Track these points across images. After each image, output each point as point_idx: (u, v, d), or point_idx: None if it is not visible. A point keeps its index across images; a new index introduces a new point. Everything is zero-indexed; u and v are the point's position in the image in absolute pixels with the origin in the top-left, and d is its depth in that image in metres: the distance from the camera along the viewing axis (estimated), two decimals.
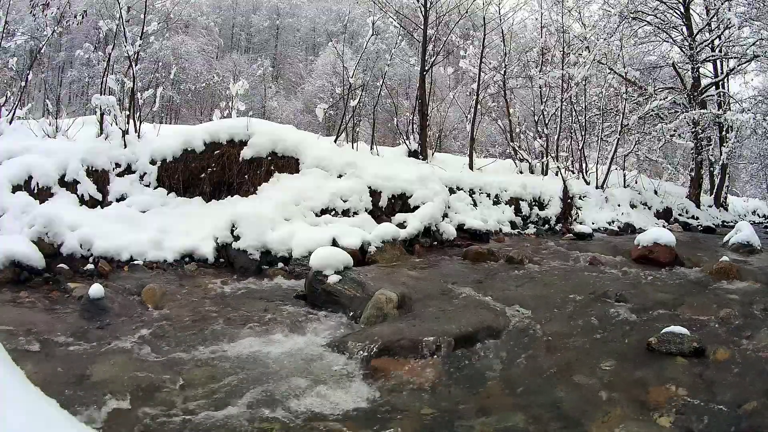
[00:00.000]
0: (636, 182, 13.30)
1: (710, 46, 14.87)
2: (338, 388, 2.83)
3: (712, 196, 16.52)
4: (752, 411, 2.57)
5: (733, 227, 9.25)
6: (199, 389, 2.76)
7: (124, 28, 7.39)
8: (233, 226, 5.93)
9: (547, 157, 12.42)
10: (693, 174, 15.22)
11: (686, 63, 14.89)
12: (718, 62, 15.71)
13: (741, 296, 4.71)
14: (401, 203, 7.59)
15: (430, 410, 2.61)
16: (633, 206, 12.07)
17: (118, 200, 6.30)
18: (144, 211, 6.21)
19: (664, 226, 10.14)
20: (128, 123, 6.91)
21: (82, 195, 6.11)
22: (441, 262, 6.24)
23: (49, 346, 3.26)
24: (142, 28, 7.63)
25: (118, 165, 6.58)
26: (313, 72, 42.08)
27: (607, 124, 14.40)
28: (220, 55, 49.44)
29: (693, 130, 14.32)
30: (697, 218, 13.73)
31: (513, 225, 9.18)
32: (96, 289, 4.02)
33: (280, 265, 5.74)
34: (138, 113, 7.19)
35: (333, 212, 6.89)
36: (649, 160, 15.96)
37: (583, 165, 12.84)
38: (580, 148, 13.21)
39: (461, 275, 5.49)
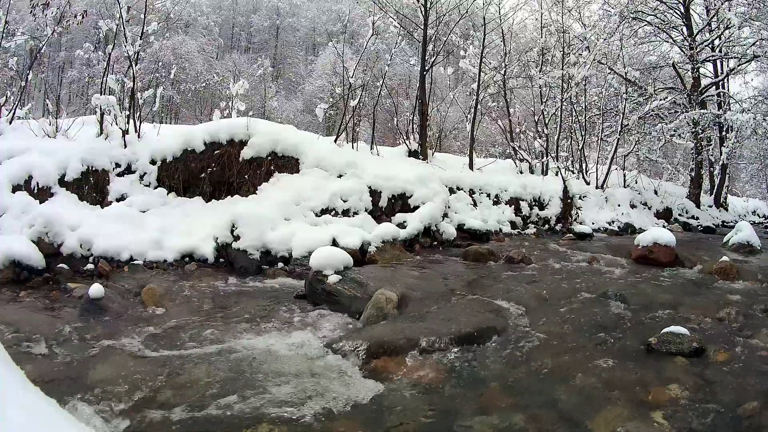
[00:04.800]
0: (636, 182, 13.31)
1: (710, 46, 14.88)
2: (338, 387, 2.83)
3: (712, 196, 16.53)
4: (752, 411, 2.57)
5: (733, 227, 9.26)
6: (199, 389, 2.76)
7: (124, 28, 7.39)
8: (233, 226, 5.93)
9: (547, 157, 12.43)
10: (693, 174, 15.23)
11: (686, 63, 14.90)
12: (718, 62, 15.72)
13: (741, 296, 4.71)
14: (401, 203, 7.59)
15: (430, 410, 2.61)
16: (633, 206, 12.09)
17: (118, 200, 6.30)
18: (144, 211, 6.21)
19: (664, 226, 10.16)
20: (128, 123, 6.91)
21: (82, 194, 6.11)
22: (441, 262, 6.23)
23: (49, 346, 3.26)
24: (142, 28, 7.63)
25: (118, 165, 6.58)
26: (313, 72, 42.09)
27: (607, 124, 14.42)
28: (220, 55, 49.42)
29: (693, 130, 14.32)
30: (697, 218, 13.74)
31: (513, 225, 9.19)
32: (96, 289, 4.02)
33: (280, 265, 5.74)
34: (138, 113, 7.19)
35: (333, 212, 6.89)
36: (649, 160, 15.98)
37: (583, 165, 12.86)
38: (580, 148, 13.22)
39: (461, 275, 5.49)
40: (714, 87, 15.27)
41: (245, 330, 3.71)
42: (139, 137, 7.01)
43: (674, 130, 14.35)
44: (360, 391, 2.80)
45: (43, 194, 5.77)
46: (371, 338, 3.35)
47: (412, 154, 10.26)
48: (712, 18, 14.61)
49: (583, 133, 13.29)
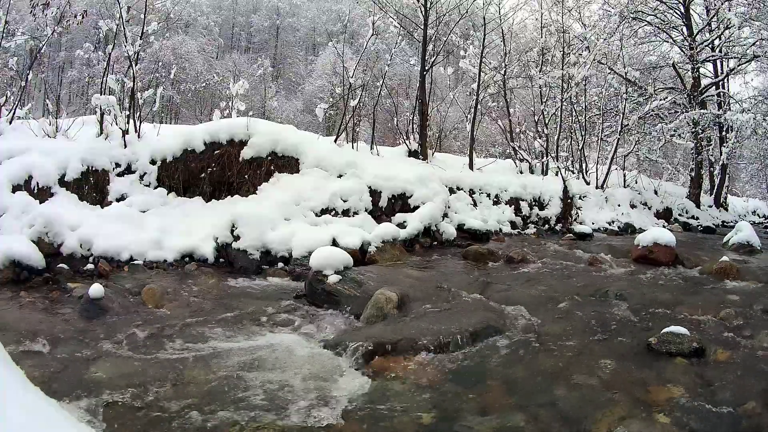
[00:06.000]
0: (636, 182, 13.31)
1: (710, 46, 14.87)
2: (338, 387, 2.83)
3: (712, 196, 16.52)
4: (752, 411, 2.57)
5: (733, 227, 9.25)
6: (199, 389, 2.76)
7: (124, 28, 7.39)
8: (233, 226, 5.93)
9: (547, 157, 12.43)
10: (693, 174, 15.22)
11: (686, 63, 14.90)
12: (718, 62, 15.72)
13: (741, 296, 4.71)
14: (401, 203, 7.59)
15: (429, 410, 2.61)
16: (633, 206, 12.08)
17: (118, 200, 6.30)
18: (144, 211, 6.21)
19: (664, 226, 10.15)
20: (128, 123, 6.91)
21: (82, 194, 6.11)
22: (441, 262, 6.24)
23: (49, 346, 3.26)
24: (142, 28, 7.63)
25: (118, 165, 6.58)
26: (313, 72, 42.08)
27: (607, 124, 14.41)
28: (220, 55, 49.42)
29: (693, 130, 14.32)
30: (697, 218, 13.73)
31: (513, 225, 9.18)
32: (96, 289, 4.01)
33: (280, 265, 5.74)
34: (138, 113, 7.19)
35: (333, 212, 6.89)
36: (649, 160, 15.97)
37: (583, 165, 12.85)
38: (580, 148, 13.22)
39: (461, 275, 5.49)
40: (714, 87, 15.26)
41: (245, 330, 3.71)
42: (139, 137, 7.00)
43: (674, 130, 14.34)
44: (360, 391, 2.80)
45: (43, 194, 5.77)
46: (371, 338, 3.35)
47: (412, 154, 10.26)
48: (712, 18, 14.60)
49: (583, 133, 13.28)
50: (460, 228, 7.81)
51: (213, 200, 6.89)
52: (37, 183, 5.78)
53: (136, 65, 7.49)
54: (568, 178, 10.57)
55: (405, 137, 10.72)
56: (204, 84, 37.86)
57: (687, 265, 6.15)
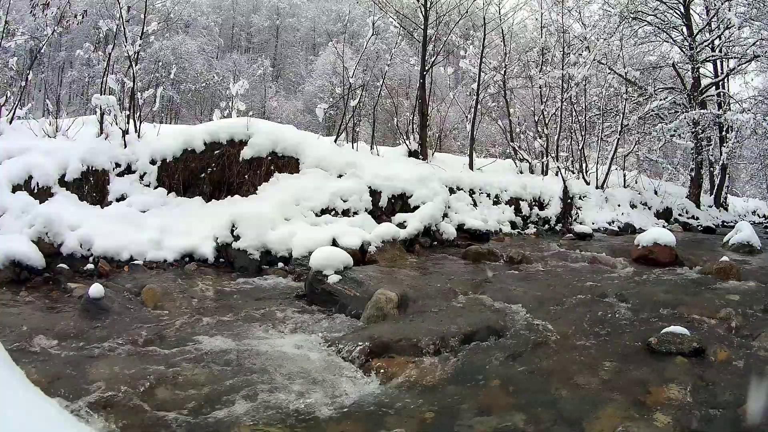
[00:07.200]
0: (636, 182, 13.32)
1: (710, 46, 14.88)
2: (338, 387, 2.83)
3: (712, 196, 16.53)
4: (752, 411, 2.57)
5: (733, 227, 9.26)
6: (199, 389, 2.76)
7: (124, 28, 7.39)
8: (233, 226, 5.93)
9: (547, 157, 12.43)
10: (693, 174, 15.23)
11: (686, 63, 14.91)
12: (718, 62, 15.73)
13: (741, 296, 4.71)
14: (401, 203, 7.59)
15: (429, 410, 2.61)
16: (633, 206, 12.09)
17: (118, 200, 6.30)
18: (144, 211, 6.21)
19: (664, 226, 10.16)
20: (128, 123, 6.91)
21: (82, 194, 6.11)
22: (441, 262, 6.24)
23: (49, 346, 3.26)
24: (142, 28, 7.63)
25: (118, 165, 6.57)
26: (313, 72, 42.10)
27: (607, 124, 14.42)
28: (220, 55, 49.44)
29: (693, 130, 14.33)
30: (697, 218, 13.74)
31: (513, 225, 9.19)
32: (96, 289, 4.01)
33: (280, 265, 5.75)
34: (138, 113, 7.18)
35: (333, 212, 6.90)
36: (649, 160, 15.98)
37: (583, 165, 12.85)
38: (580, 148, 13.22)
39: (461, 275, 5.49)
40: (714, 87, 15.27)
41: (245, 330, 3.71)
42: (139, 137, 7.00)
43: (674, 130, 14.35)
44: (360, 391, 2.80)
45: (43, 194, 5.76)
46: (371, 338, 3.35)
47: (412, 154, 10.26)
48: (712, 18, 14.61)
49: (583, 133, 13.29)
50: (460, 228, 7.82)
51: (213, 200, 6.89)
52: (37, 183, 5.77)
53: (136, 65, 7.49)
54: (568, 178, 10.58)
55: (405, 137, 10.72)
56: (204, 84, 37.88)
57: (687, 265, 6.15)
